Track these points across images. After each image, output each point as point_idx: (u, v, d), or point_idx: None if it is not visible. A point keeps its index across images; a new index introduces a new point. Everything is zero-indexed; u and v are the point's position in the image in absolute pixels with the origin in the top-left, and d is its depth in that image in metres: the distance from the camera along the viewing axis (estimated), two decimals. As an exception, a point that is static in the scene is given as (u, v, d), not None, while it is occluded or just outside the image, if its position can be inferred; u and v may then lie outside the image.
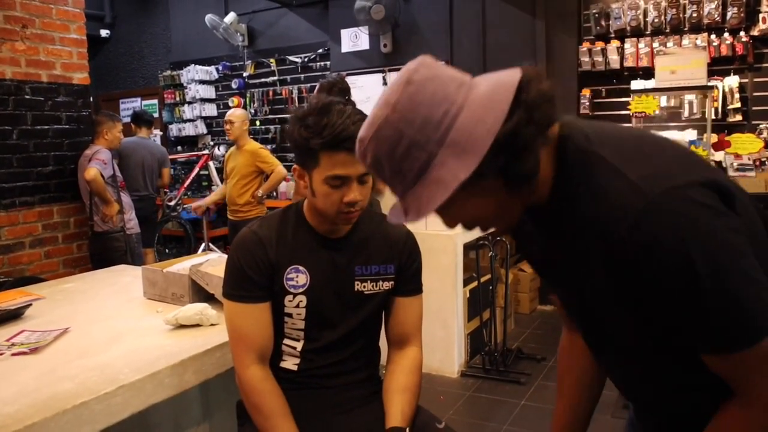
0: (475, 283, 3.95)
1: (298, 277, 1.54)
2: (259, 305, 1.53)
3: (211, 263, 2.10)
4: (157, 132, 7.87)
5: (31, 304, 2.05)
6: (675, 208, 0.84)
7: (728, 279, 0.84)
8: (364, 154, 0.91)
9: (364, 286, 1.59)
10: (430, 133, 0.85)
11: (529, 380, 3.74)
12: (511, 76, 0.88)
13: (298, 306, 1.55)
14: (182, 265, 2.18)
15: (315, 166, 1.45)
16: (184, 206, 6.59)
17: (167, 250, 7.13)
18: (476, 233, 4.03)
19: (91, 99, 4.78)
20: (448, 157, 0.85)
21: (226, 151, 5.08)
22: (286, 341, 1.59)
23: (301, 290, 1.54)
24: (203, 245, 6.15)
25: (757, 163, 4.20)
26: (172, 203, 6.60)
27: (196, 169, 6.92)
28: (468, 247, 4.01)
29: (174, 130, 7.75)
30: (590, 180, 0.90)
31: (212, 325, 1.85)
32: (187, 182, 6.85)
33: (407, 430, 1.51)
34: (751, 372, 0.88)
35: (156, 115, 7.92)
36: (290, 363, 1.59)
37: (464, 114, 0.85)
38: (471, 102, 0.86)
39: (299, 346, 1.59)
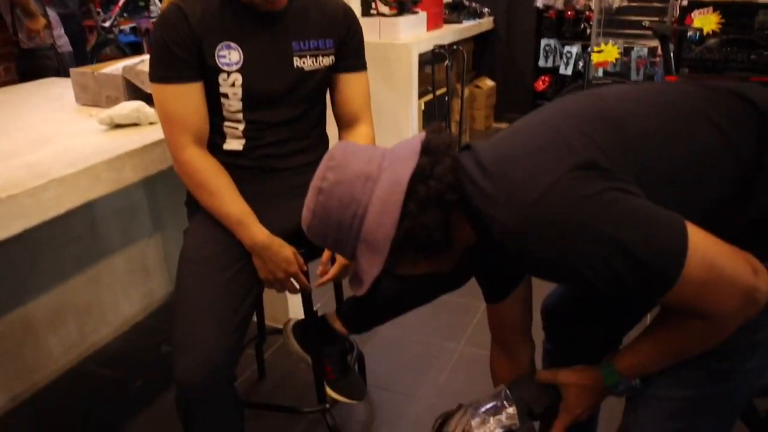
0: (430, 96, 3.85)
1: (230, 54, 1.42)
2: (189, 85, 1.41)
3: (146, 63, 1.92)
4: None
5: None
6: (540, 220, 0.87)
7: (628, 245, 0.84)
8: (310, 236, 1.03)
9: (304, 62, 1.50)
10: (346, 232, 0.97)
11: (483, 191, 3.78)
12: (408, 165, 0.94)
13: (233, 85, 1.44)
14: (115, 67, 2.00)
15: None
16: (121, 28, 6.13)
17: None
18: (431, 42, 3.85)
19: None
20: (365, 252, 0.97)
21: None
22: (227, 123, 1.50)
23: (235, 68, 1.43)
24: (145, 69, 5.79)
25: None
26: (107, 24, 6.12)
27: (130, -14, 6.35)
28: (424, 62, 3.86)
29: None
30: (488, 218, 0.93)
31: (151, 123, 1.74)
32: (122, 1, 6.30)
33: None
34: (694, 300, 0.88)
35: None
36: (235, 144, 1.52)
37: (368, 215, 0.94)
38: (373, 203, 0.94)
39: (241, 127, 1.50)
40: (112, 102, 1.94)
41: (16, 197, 1.28)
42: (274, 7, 1.42)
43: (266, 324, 2.10)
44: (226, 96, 1.46)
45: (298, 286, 1.54)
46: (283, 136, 1.53)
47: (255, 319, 2.08)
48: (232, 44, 1.42)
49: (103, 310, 2.37)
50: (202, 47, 1.40)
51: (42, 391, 2.13)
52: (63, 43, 4.22)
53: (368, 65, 1.63)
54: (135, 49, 6.20)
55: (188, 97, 1.42)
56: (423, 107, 3.85)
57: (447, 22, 4.47)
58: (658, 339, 1.01)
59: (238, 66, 1.43)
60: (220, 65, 1.42)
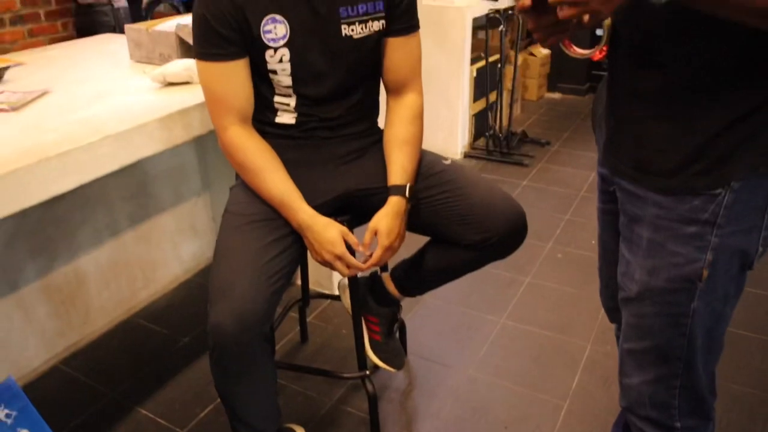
0: (482, 62, 3.76)
1: (276, 29, 1.34)
2: (233, 63, 1.36)
3: (198, 21, 1.92)
4: None
5: (9, 68, 1.92)
6: None
7: None
8: None
9: (353, 30, 1.40)
10: None
11: (532, 163, 3.71)
12: None
13: (281, 61, 1.38)
14: (169, 24, 2.01)
15: None
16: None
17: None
18: (486, 6, 3.74)
19: None
20: None
21: None
22: (277, 98, 1.46)
23: (281, 43, 1.36)
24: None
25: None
26: (161, -18, 6.14)
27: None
28: (478, 27, 3.76)
29: None
30: None
31: (202, 83, 1.74)
32: (175, -42, 6.31)
33: (408, 186, 1.45)
34: None
35: None
36: (287, 118, 1.48)
37: None
38: None
39: (292, 102, 1.46)
40: (165, 59, 1.95)
41: (71, 153, 1.30)
42: None
43: (310, 289, 2.12)
44: (274, 72, 1.40)
45: (347, 270, 1.43)
46: (335, 109, 1.48)
47: (300, 282, 2.09)
48: (278, 17, 1.34)
49: (153, 267, 2.42)
50: (245, 22, 1.33)
51: (94, 342, 2.20)
52: (118, -1, 4.26)
53: (420, 28, 1.53)
54: (188, 7, 6.21)
55: (232, 75, 1.37)
56: (475, 74, 3.76)
57: (503, -14, 4.35)
58: None
59: (285, 40, 1.36)
60: (266, 41, 1.35)
